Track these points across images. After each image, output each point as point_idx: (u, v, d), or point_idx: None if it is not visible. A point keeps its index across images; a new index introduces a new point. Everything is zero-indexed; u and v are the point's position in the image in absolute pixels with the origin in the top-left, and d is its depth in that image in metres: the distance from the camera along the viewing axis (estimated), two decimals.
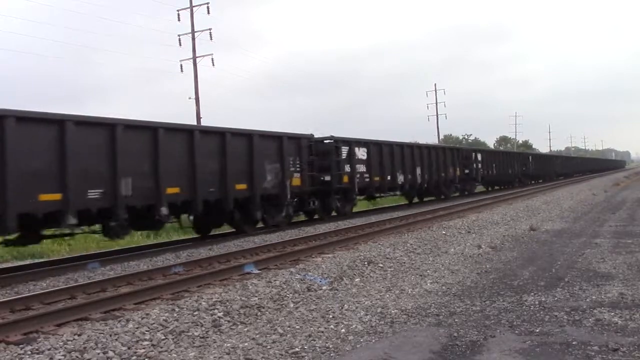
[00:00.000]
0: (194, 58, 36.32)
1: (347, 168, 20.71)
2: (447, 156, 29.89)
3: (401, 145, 25.37)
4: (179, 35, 36.94)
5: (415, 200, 29.00)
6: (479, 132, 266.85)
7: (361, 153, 21.75)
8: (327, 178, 19.58)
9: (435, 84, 76.49)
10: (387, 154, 23.56)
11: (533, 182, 49.50)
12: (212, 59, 36.71)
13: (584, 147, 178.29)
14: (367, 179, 22.03)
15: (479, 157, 35.14)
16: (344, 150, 20.64)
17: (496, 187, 41.50)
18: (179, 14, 36.65)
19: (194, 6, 36.41)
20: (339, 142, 20.59)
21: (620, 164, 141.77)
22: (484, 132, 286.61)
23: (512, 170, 42.33)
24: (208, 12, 36.38)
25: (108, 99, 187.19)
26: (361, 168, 21.64)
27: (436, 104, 70.34)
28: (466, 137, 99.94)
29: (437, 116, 70.04)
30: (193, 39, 36.41)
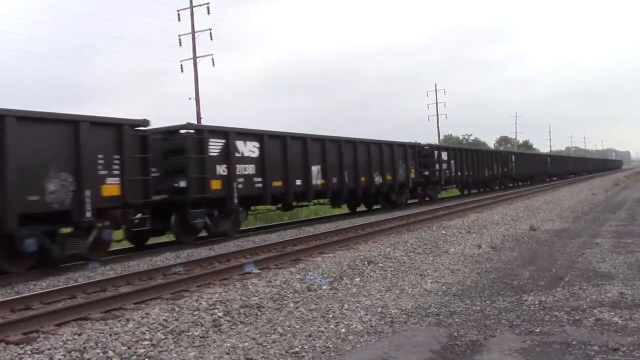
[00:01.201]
0: (194, 58, 36.33)
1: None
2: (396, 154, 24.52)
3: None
4: (179, 36, 37.00)
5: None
6: (479, 132, 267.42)
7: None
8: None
9: (435, 84, 76.66)
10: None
11: (516, 184, 45.86)
12: (213, 59, 36.76)
13: (584, 147, 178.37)
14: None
15: (444, 155, 30.00)
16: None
17: (473, 191, 38.04)
18: (179, 14, 36.68)
19: (194, 6, 36.43)
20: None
21: (617, 164, 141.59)
22: (484, 132, 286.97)
23: (491, 171, 37.79)
24: (208, 12, 36.41)
25: (109, 100, 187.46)
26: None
27: (436, 104, 70.45)
28: (466, 137, 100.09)
29: (437, 116, 70.15)
30: (193, 39, 36.43)
